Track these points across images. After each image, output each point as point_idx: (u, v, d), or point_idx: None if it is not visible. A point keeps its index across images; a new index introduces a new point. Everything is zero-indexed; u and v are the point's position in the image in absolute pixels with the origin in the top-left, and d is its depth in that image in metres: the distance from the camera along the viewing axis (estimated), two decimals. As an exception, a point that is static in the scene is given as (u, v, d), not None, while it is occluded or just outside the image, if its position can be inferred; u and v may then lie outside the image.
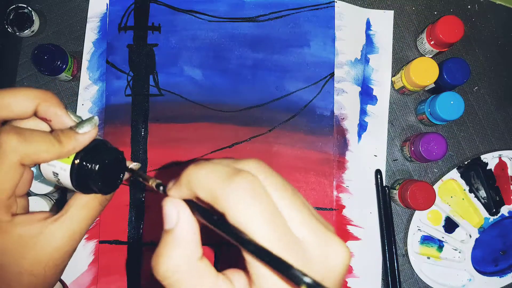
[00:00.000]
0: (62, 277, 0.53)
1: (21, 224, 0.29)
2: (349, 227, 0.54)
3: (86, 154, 0.29)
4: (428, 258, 0.55)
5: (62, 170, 0.29)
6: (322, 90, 0.56)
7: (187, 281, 0.21)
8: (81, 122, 0.29)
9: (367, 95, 0.56)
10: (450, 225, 0.55)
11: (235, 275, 0.22)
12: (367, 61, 0.57)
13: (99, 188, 0.30)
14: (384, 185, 0.55)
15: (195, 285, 0.21)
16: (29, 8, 0.55)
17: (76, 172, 0.28)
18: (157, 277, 0.22)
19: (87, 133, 0.28)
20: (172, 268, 0.22)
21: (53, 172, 0.29)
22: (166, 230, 0.24)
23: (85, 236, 0.54)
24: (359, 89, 0.56)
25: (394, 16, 0.58)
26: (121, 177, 0.31)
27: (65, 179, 0.29)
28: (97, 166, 0.29)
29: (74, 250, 0.31)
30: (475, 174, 0.55)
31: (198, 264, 0.22)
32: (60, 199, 0.54)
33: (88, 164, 0.29)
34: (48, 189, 0.52)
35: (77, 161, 0.28)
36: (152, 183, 0.28)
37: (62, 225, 0.30)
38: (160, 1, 0.56)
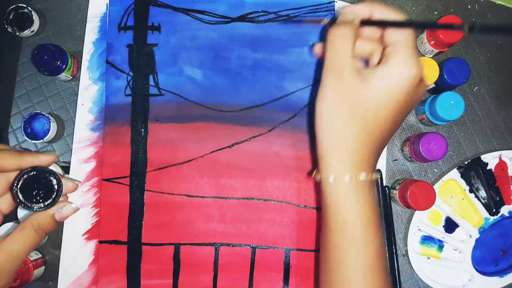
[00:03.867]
0: (61, 277, 0.53)
1: None
2: (349, 227, 0.54)
3: (24, 172, 0.36)
4: (428, 258, 0.55)
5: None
6: (322, 90, 0.55)
7: (345, 38, 0.38)
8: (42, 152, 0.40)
9: (367, 95, 0.56)
10: (450, 225, 0.55)
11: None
12: (367, 61, 0.56)
13: (24, 197, 0.36)
14: (384, 185, 0.55)
15: (346, 43, 0.37)
16: (29, 8, 0.55)
17: (12, 183, 0.36)
18: (328, 37, 0.38)
19: (46, 156, 0.37)
20: (343, 31, 0.37)
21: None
22: (343, 19, 0.39)
23: (85, 236, 0.54)
24: (359, 89, 0.56)
25: (394, 16, 0.58)
26: (52, 194, 0.37)
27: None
28: (24, 177, 0.36)
29: (14, 269, 0.36)
30: (475, 174, 0.56)
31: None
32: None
33: (20, 177, 0.36)
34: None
35: (17, 175, 0.36)
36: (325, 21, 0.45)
37: (2, 247, 0.35)
38: (160, 1, 0.56)
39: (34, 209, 0.37)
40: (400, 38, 0.36)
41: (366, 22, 0.39)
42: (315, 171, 0.39)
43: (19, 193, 0.36)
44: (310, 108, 0.53)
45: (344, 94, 0.36)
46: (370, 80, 0.36)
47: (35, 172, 0.36)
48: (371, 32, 0.40)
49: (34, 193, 0.36)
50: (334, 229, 0.37)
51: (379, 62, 0.38)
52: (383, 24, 0.38)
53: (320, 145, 0.38)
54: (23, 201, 0.36)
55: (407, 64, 0.35)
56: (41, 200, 0.37)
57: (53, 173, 0.37)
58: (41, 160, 0.37)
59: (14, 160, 0.36)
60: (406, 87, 0.35)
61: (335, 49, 0.37)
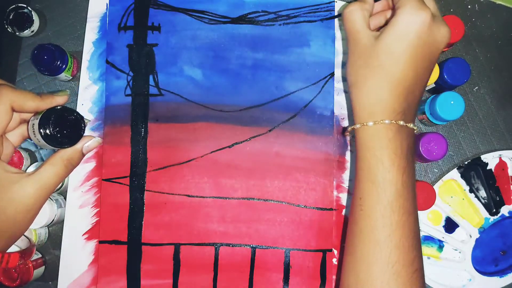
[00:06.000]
0: (61, 277, 0.53)
1: (3, 168, 0.37)
2: (349, 227, 0.54)
3: (49, 111, 0.38)
4: (428, 258, 0.55)
5: (35, 120, 0.38)
6: (322, 90, 0.56)
7: (363, 15, 0.43)
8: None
9: (367, 95, 0.56)
10: (450, 225, 0.56)
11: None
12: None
13: (55, 134, 0.38)
14: (384, 185, 0.55)
15: (365, 19, 0.43)
16: (29, 8, 0.55)
17: (40, 121, 0.37)
18: (345, 14, 0.43)
19: (61, 97, 0.40)
20: (362, 12, 0.43)
21: (32, 125, 0.38)
22: None
23: (85, 236, 0.54)
24: (359, 89, 0.56)
25: (394, 16, 0.58)
26: (79, 129, 0.40)
27: (36, 131, 0.38)
28: (53, 116, 0.38)
29: (42, 201, 0.39)
30: (475, 174, 0.56)
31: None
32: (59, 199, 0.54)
33: (48, 116, 0.38)
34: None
35: (43, 113, 0.38)
36: None
37: (33, 179, 0.38)
38: (160, 1, 0.56)
39: (64, 145, 0.40)
40: None
41: None
42: (349, 127, 0.43)
43: (51, 128, 0.38)
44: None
45: (360, 52, 0.41)
46: (381, 34, 0.40)
47: (61, 111, 0.39)
48: (383, 5, 0.46)
49: (61, 129, 0.38)
50: (368, 168, 0.41)
51: None
52: None
53: (352, 100, 0.43)
54: (56, 135, 0.38)
55: (412, 8, 0.38)
56: (68, 136, 0.39)
57: (75, 111, 0.40)
58: (58, 101, 0.40)
59: (34, 102, 0.38)
60: (415, 31, 0.38)
61: (351, 21, 0.42)
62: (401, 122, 0.40)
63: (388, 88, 0.39)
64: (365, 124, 0.40)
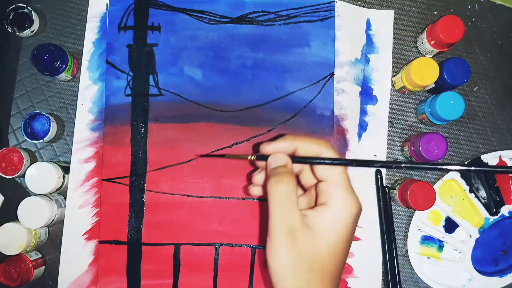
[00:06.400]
0: (61, 277, 0.53)
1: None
2: (349, 227, 0.54)
3: None
4: (428, 258, 0.55)
5: None
6: (322, 90, 0.56)
7: (290, 194, 0.34)
8: None
9: (367, 95, 0.56)
10: (450, 225, 0.55)
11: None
12: (367, 61, 0.57)
13: None
14: (384, 185, 0.55)
15: (292, 199, 0.34)
16: (29, 8, 0.55)
17: None
18: (271, 195, 0.34)
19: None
20: (286, 186, 0.34)
21: None
22: (279, 166, 0.36)
23: (85, 236, 0.54)
24: (359, 89, 0.56)
25: (394, 16, 0.58)
26: None
27: None
28: None
29: None
30: (475, 174, 0.55)
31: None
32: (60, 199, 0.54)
33: None
34: (48, 189, 0.52)
35: None
36: (251, 157, 0.39)
37: None
38: (160, 1, 0.56)
39: None
40: (334, 177, 0.35)
41: (297, 159, 0.37)
42: None
43: None
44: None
45: (300, 252, 0.33)
46: (318, 229, 0.34)
47: None
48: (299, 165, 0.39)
49: None
50: None
51: (315, 198, 0.37)
52: (316, 163, 0.36)
53: None
54: None
55: (347, 204, 0.35)
56: None
57: None
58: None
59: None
60: (350, 225, 0.35)
61: (283, 209, 0.34)
62: None
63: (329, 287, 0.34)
64: None
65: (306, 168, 0.39)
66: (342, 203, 0.35)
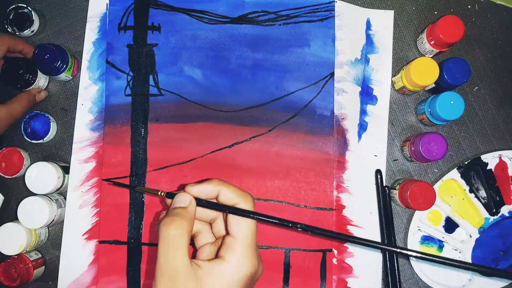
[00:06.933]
0: (61, 277, 0.53)
1: None
2: (349, 227, 0.54)
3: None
4: (428, 258, 0.55)
5: None
6: (322, 90, 0.56)
7: (178, 239, 0.33)
8: None
9: (367, 95, 0.56)
10: (450, 225, 0.55)
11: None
12: (367, 61, 0.57)
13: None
14: (384, 185, 0.55)
15: (179, 245, 0.33)
16: (29, 8, 0.55)
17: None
18: (160, 237, 0.33)
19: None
20: (176, 230, 0.33)
21: None
22: (178, 207, 0.35)
23: (85, 236, 0.54)
24: (359, 89, 0.56)
25: (394, 16, 0.58)
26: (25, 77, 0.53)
27: None
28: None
29: (9, 122, 0.53)
30: (475, 174, 0.55)
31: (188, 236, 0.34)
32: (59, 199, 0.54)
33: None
34: (48, 189, 0.52)
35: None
36: (161, 193, 0.38)
37: (6, 106, 0.52)
38: (160, 1, 0.56)
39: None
40: (239, 233, 0.35)
41: (202, 203, 0.36)
42: None
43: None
44: None
45: None
46: (205, 282, 0.33)
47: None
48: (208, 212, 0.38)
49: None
50: None
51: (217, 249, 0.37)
52: (219, 209, 0.36)
53: None
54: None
55: (243, 263, 0.34)
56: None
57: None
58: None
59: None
60: (240, 285, 0.34)
61: (169, 250, 0.33)
62: None
63: None
64: None
65: (220, 217, 0.38)
66: (237, 260, 0.34)
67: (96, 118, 0.56)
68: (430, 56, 0.57)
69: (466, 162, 0.56)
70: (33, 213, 0.51)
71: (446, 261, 0.33)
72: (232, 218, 0.35)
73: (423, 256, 0.33)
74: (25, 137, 0.54)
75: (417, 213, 0.55)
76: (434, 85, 0.55)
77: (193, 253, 0.40)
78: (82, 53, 0.56)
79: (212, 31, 0.56)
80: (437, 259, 0.33)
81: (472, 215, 0.55)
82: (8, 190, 0.56)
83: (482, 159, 0.56)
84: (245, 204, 0.35)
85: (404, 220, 0.56)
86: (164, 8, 0.56)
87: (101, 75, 0.56)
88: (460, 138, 0.57)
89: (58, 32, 0.58)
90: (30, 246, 0.52)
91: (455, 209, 0.55)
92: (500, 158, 0.56)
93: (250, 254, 0.34)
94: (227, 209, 0.35)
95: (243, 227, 0.35)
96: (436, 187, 0.55)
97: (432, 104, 0.52)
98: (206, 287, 0.33)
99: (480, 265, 0.34)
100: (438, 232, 0.55)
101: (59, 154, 0.57)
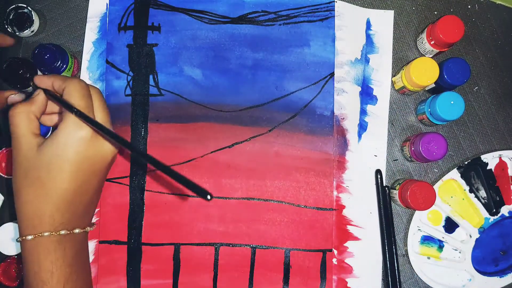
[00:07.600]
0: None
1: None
2: (349, 227, 0.54)
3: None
4: (428, 258, 0.55)
5: None
6: (322, 90, 0.56)
7: (23, 117, 0.40)
8: None
9: (367, 95, 0.56)
10: (450, 225, 0.55)
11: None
12: (367, 61, 0.57)
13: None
14: (384, 185, 0.55)
15: (25, 120, 0.40)
16: (29, 8, 0.55)
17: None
18: (9, 114, 0.40)
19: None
20: (19, 109, 0.40)
21: None
22: (32, 97, 0.42)
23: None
24: (359, 89, 0.56)
25: (394, 16, 0.58)
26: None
27: None
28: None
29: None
30: (475, 174, 0.55)
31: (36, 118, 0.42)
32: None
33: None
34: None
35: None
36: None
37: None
38: (160, 1, 0.56)
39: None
40: (69, 100, 0.40)
41: (52, 94, 0.42)
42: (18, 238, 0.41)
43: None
44: None
45: (21, 161, 0.40)
46: (42, 146, 0.39)
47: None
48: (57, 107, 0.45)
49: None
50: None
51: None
52: (58, 100, 0.41)
53: (16, 211, 0.41)
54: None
55: (70, 127, 0.39)
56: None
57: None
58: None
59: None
60: (73, 147, 0.39)
61: (14, 125, 0.40)
62: (63, 232, 0.40)
63: (46, 201, 0.39)
64: (24, 238, 0.39)
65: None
66: (66, 125, 0.39)
67: (96, 118, 0.56)
68: (430, 56, 0.57)
69: (466, 162, 0.56)
70: (33, 213, 0.51)
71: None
72: (65, 90, 0.40)
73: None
74: (25, 137, 0.54)
75: (417, 213, 0.55)
76: (434, 85, 0.55)
77: None
78: (82, 53, 0.57)
79: (212, 31, 0.56)
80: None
81: (472, 215, 0.55)
82: (8, 190, 0.56)
83: (482, 159, 0.56)
84: (75, 93, 0.40)
85: (404, 220, 0.56)
86: (164, 8, 0.56)
87: (101, 75, 0.56)
88: (460, 138, 0.57)
89: (58, 32, 0.58)
90: (30, 246, 0.52)
91: (455, 209, 0.55)
92: (500, 158, 0.56)
93: (78, 121, 0.39)
94: (62, 103, 0.41)
95: (72, 96, 0.40)
96: (436, 187, 0.55)
97: (432, 104, 0.52)
98: (44, 151, 0.39)
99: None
100: (438, 232, 0.55)
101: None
